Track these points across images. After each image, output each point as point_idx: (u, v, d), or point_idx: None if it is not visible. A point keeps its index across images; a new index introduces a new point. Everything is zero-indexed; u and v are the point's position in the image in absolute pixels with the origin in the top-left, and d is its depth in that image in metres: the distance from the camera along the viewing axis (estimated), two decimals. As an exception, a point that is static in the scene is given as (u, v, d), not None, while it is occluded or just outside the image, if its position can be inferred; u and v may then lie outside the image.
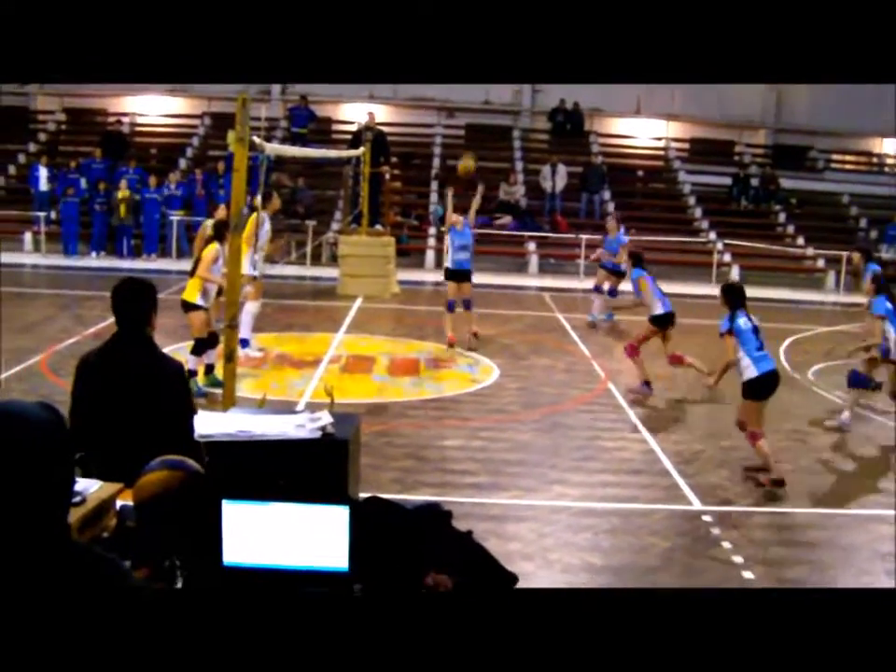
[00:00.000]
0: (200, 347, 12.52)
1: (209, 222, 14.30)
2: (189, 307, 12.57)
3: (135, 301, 5.74)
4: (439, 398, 13.09)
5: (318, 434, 4.56)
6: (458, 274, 16.05)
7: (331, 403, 5.59)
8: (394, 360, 15.10)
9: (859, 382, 12.33)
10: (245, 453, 4.51)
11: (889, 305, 12.08)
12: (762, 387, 10.01)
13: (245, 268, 11.71)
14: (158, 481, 4.17)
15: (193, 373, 12.24)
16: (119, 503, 4.68)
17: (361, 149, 22.15)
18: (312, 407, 11.76)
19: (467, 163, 17.72)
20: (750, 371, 9.94)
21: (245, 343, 14.01)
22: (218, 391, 10.37)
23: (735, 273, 27.34)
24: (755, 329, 10.09)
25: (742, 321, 10.03)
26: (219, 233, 12.39)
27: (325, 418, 4.68)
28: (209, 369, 12.74)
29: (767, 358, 10.10)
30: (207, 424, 4.58)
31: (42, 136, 33.23)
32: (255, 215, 13.17)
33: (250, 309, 14.35)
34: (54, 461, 2.34)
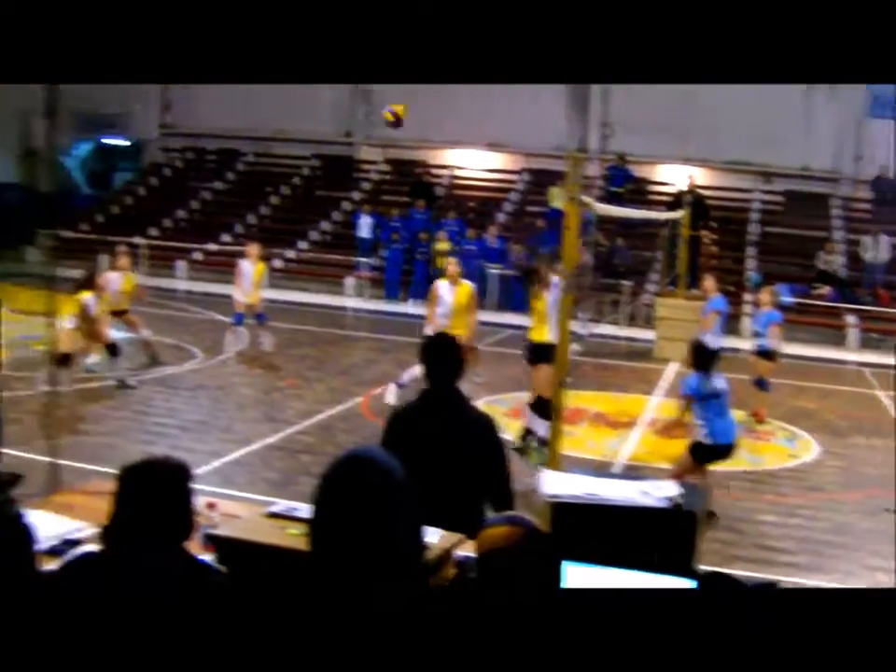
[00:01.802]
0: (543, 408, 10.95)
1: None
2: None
3: (445, 356, 5.82)
4: (757, 471, 12.83)
5: (666, 503, 4.56)
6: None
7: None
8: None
9: None
10: (589, 515, 4.55)
11: None
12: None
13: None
14: (501, 535, 4.20)
15: (543, 441, 11.06)
16: (459, 553, 4.81)
17: (681, 212, 22.07)
18: (629, 469, 11.85)
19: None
20: None
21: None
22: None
23: None
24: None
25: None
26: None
27: (673, 488, 4.68)
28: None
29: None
30: (555, 484, 4.66)
31: (365, 185, 34.52)
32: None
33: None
34: (410, 505, 2.43)
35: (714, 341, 14.14)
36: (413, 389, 14.09)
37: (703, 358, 10.18)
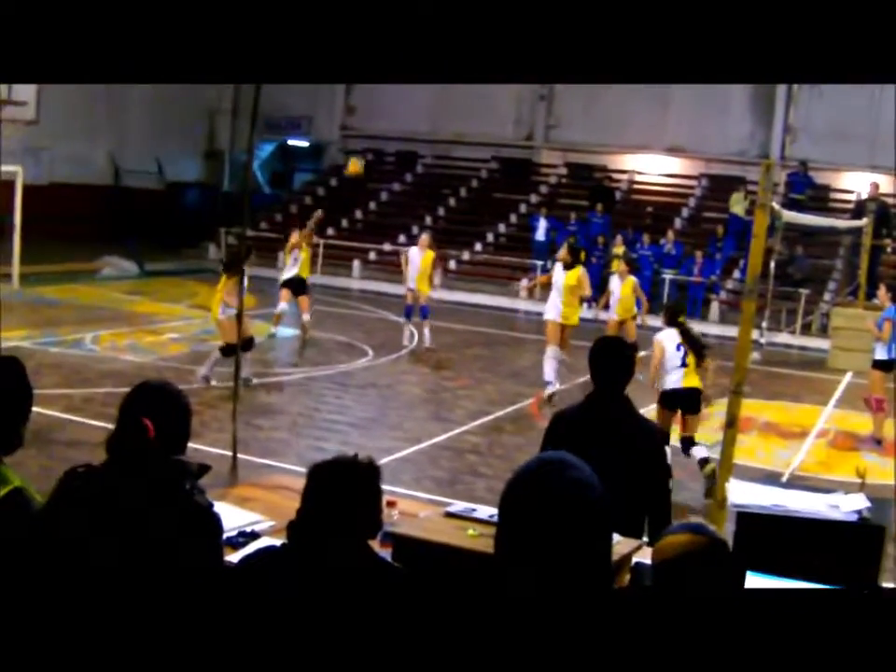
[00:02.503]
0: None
1: None
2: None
3: (614, 359, 5.74)
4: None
5: (855, 518, 4.43)
6: None
7: (862, 485, 5.42)
8: (888, 440, 14.48)
9: None
10: (775, 526, 4.44)
11: None
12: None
13: None
14: (680, 544, 4.13)
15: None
16: (635, 560, 4.74)
17: (864, 220, 21.54)
18: (797, 479, 11.61)
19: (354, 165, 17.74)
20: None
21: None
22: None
23: None
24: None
25: None
26: None
27: (861, 502, 4.54)
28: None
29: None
30: (741, 494, 4.57)
31: (543, 189, 34.56)
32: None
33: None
34: (603, 514, 2.39)
35: (888, 351, 14.01)
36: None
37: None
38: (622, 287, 17.58)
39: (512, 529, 2.40)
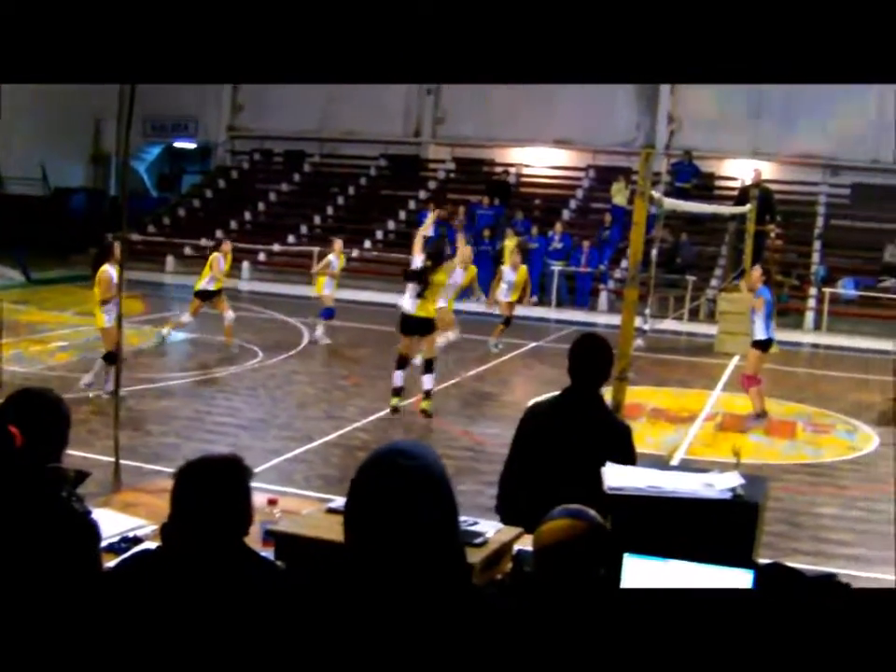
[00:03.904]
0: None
1: None
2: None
3: (593, 357, 5.76)
4: (816, 463, 12.81)
5: (728, 495, 4.50)
6: None
7: (737, 464, 5.52)
8: (771, 422, 14.79)
9: None
10: (650, 508, 4.50)
11: None
12: None
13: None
14: (559, 529, 4.15)
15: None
16: (517, 547, 4.79)
17: (748, 206, 21.91)
18: (688, 463, 11.79)
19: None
20: None
21: None
22: None
23: None
24: None
25: None
26: None
27: (735, 479, 4.62)
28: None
29: None
30: (618, 477, 4.62)
31: (432, 184, 34.64)
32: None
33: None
34: (446, 499, 2.42)
35: (765, 331, 14.60)
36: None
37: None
38: (516, 275, 19.86)
39: (353, 521, 2.44)
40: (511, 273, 20.30)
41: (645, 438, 12.84)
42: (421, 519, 2.36)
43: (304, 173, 36.36)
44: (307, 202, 34.36)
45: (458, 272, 17.15)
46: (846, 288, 26.98)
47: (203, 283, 17.96)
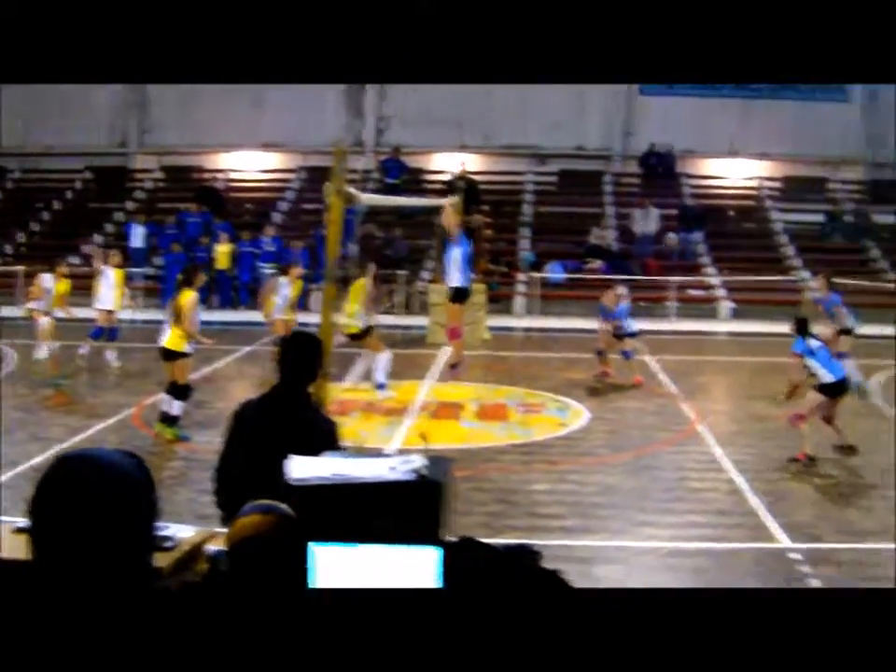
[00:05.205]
0: (185, 393, 13.12)
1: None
2: (174, 355, 13.09)
3: (298, 355, 5.88)
4: (528, 442, 13.18)
5: (412, 476, 4.63)
6: None
7: (426, 448, 5.67)
8: (483, 406, 15.18)
9: None
10: (336, 496, 4.58)
11: None
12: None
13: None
14: (250, 525, 4.19)
15: (176, 420, 12.97)
16: (211, 548, 4.82)
17: (454, 198, 22.35)
18: (403, 454, 11.89)
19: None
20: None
21: (381, 386, 15.56)
22: None
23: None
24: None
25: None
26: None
27: (418, 461, 4.76)
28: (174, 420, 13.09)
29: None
30: (301, 468, 4.68)
31: (139, 194, 34.05)
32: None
33: (385, 357, 15.80)
34: (136, 506, 2.42)
35: (462, 281, 14.99)
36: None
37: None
38: (291, 288, 18.18)
39: (37, 531, 2.41)
40: (288, 285, 18.46)
41: (359, 432, 12.93)
42: (100, 526, 2.33)
43: (6, 189, 35.09)
44: (10, 219, 33.03)
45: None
46: (552, 272, 27.89)
47: None
